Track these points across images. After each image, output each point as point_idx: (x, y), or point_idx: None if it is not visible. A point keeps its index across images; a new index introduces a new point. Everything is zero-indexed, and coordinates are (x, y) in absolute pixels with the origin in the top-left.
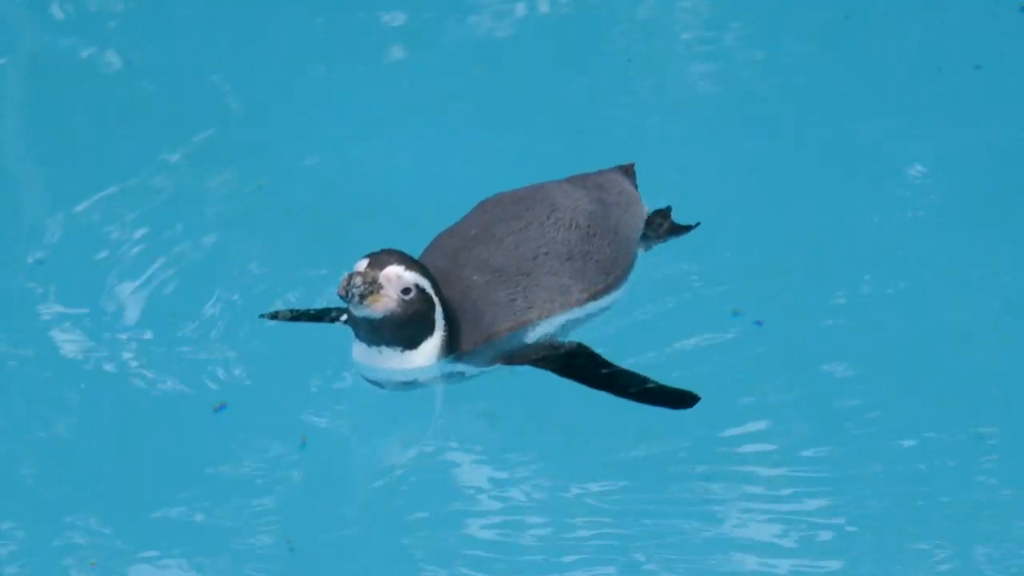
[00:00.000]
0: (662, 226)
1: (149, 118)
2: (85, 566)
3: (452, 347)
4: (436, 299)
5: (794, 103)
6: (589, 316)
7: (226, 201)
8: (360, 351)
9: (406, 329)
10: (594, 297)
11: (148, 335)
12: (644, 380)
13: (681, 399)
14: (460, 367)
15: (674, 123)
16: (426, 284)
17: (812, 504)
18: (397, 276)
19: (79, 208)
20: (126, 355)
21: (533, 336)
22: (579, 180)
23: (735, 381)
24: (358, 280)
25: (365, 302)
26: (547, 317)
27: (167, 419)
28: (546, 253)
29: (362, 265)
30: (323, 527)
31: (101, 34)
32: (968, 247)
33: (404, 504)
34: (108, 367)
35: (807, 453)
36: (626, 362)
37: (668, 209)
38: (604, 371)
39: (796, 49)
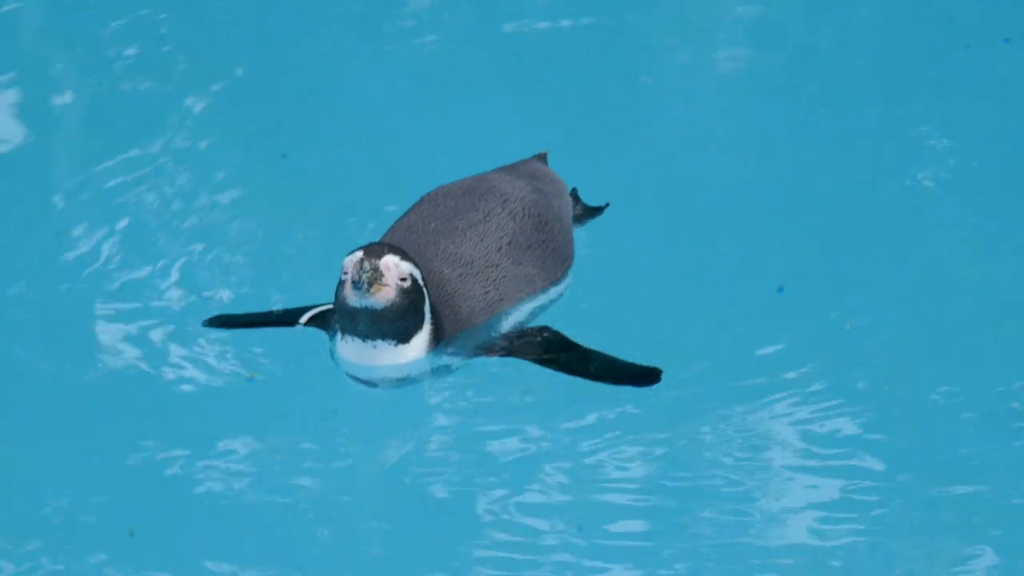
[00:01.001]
0: (576, 208)
1: (175, 87)
2: (123, 534)
3: (437, 339)
4: (425, 290)
5: (819, 79)
6: (551, 302)
7: (250, 171)
8: (351, 349)
9: (402, 320)
10: (555, 283)
11: (174, 308)
12: (612, 360)
13: (646, 376)
14: (446, 360)
15: (701, 98)
16: (418, 274)
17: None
18: (395, 265)
19: (101, 177)
20: (152, 332)
21: (507, 325)
22: (511, 170)
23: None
24: (361, 266)
25: (371, 290)
26: (517, 306)
27: (198, 394)
28: (509, 243)
29: (357, 256)
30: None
31: (128, 3)
32: (997, 221)
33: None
34: (131, 342)
35: (840, 424)
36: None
37: (576, 191)
38: (576, 355)
39: (821, 24)
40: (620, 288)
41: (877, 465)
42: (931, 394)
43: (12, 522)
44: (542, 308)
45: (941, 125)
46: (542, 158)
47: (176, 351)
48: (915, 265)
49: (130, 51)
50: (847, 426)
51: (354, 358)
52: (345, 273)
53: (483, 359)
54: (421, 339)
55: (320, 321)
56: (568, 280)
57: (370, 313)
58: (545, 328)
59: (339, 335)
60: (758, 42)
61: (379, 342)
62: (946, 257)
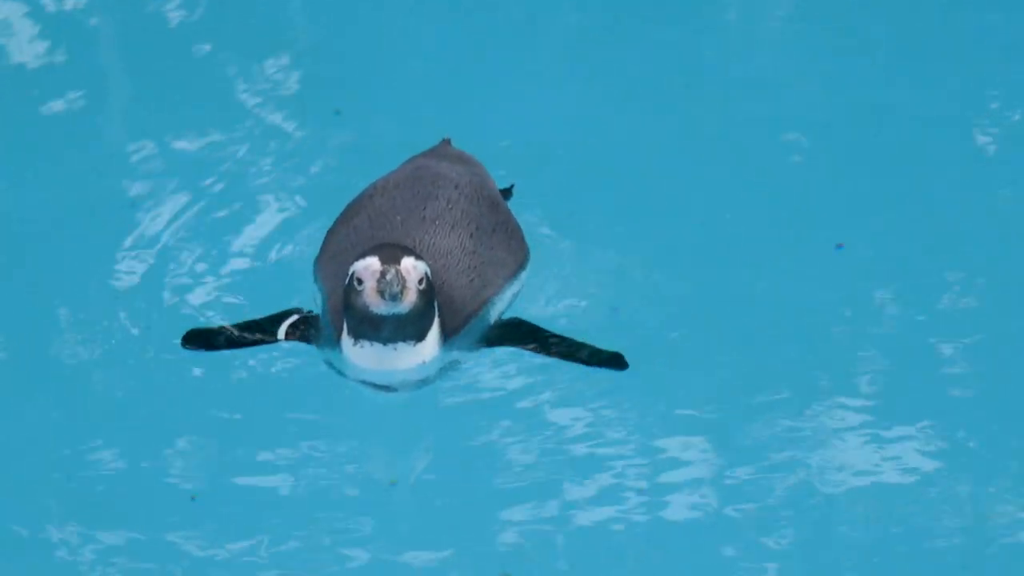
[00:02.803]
0: None
1: (231, 45)
2: (185, 500)
3: (444, 334)
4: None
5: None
6: (521, 286)
7: (304, 127)
8: (370, 355)
9: (421, 320)
10: (523, 266)
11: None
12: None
13: (616, 361)
14: (455, 354)
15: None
16: (429, 271)
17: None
18: (413, 267)
19: (159, 135)
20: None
21: (494, 313)
22: (436, 156)
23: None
24: (394, 276)
25: (399, 298)
26: (500, 292)
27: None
28: (476, 228)
29: (374, 264)
30: None
31: None
32: None
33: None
34: (181, 304)
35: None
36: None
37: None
38: (552, 341)
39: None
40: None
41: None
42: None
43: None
44: (517, 293)
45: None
46: (448, 143)
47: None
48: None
49: (186, 10)
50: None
51: (374, 364)
52: (360, 282)
53: (484, 350)
54: (434, 334)
55: (301, 332)
56: (530, 263)
57: (396, 319)
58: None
59: (349, 343)
60: None
61: (400, 344)
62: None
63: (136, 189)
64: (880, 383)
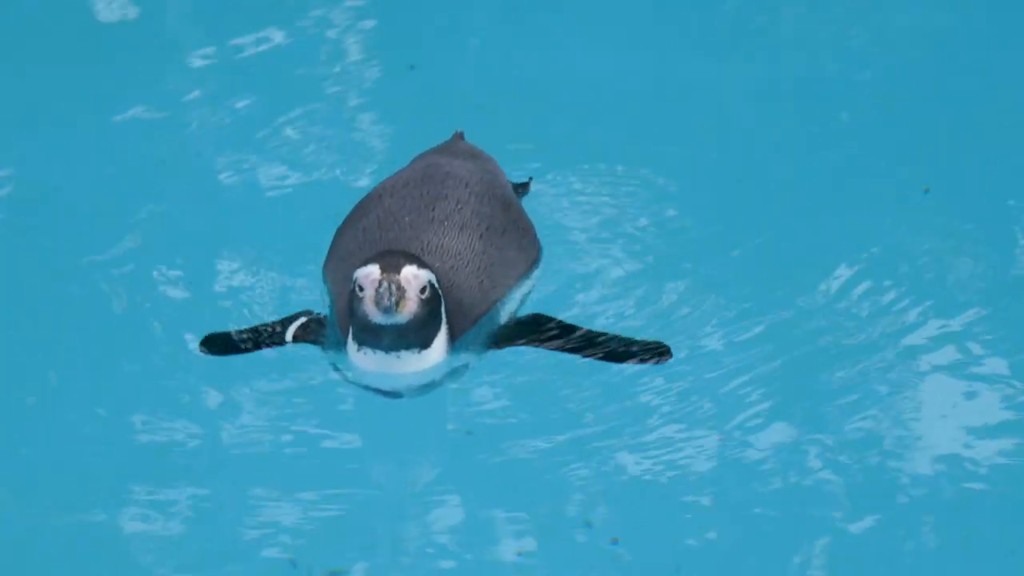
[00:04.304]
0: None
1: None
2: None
3: (453, 338)
4: (440, 291)
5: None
6: (534, 285)
7: (379, 81)
8: (372, 361)
9: (425, 328)
10: (535, 264)
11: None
12: (617, 338)
13: (658, 351)
14: (463, 358)
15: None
16: (435, 279)
17: None
18: (415, 276)
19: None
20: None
21: (504, 314)
22: (448, 152)
23: None
24: (387, 288)
25: (397, 309)
26: (510, 293)
27: None
28: (487, 228)
29: (375, 272)
30: None
31: None
32: None
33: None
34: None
35: None
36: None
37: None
38: (584, 336)
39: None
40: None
41: None
42: None
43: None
44: (529, 292)
45: None
46: (461, 137)
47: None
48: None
49: None
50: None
51: (377, 369)
52: (361, 289)
53: (495, 351)
54: (441, 340)
55: (308, 334)
56: (543, 260)
57: (395, 328)
58: (540, 314)
59: (353, 347)
60: None
61: (403, 352)
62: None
63: (202, 145)
64: (976, 323)
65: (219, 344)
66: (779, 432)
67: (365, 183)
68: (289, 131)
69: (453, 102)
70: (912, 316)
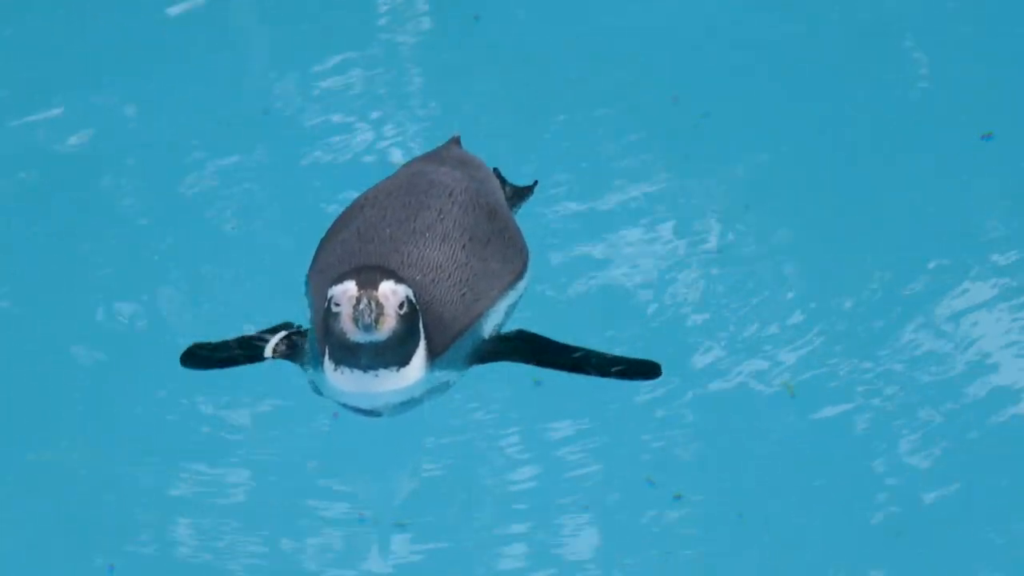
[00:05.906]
0: (505, 190)
1: None
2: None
3: (431, 355)
4: (418, 306)
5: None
6: (519, 296)
7: (440, 33)
8: (350, 380)
9: (403, 345)
10: (519, 276)
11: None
12: (604, 356)
13: (648, 370)
14: (442, 374)
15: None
16: (412, 294)
17: None
18: (392, 292)
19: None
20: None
21: (488, 328)
22: (436, 159)
23: None
24: (367, 305)
25: (376, 326)
26: (493, 305)
27: None
28: (470, 239)
29: (351, 288)
30: None
31: None
32: None
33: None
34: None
35: None
36: None
37: (498, 171)
38: (572, 354)
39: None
40: None
41: None
42: None
43: None
44: (514, 306)
45: None
46: (456, 142)
47: None
48: None
49: None
50: None
51: (355, 388)
52: (337, 305)
53: (476, 367)
54: (419, 357)
55: (287, 350)
56: (529, 271)
57: (374, 346)
58: (525, 331)
59: (330, 367)
60: None
61: (380, 371)
62: None
63: (269, 101)
64: None
65: (199, 360)
66: (843, 387)
67: (429, 124)
68: (363, 78)
69: (514, 51)
70: (973, 263)
